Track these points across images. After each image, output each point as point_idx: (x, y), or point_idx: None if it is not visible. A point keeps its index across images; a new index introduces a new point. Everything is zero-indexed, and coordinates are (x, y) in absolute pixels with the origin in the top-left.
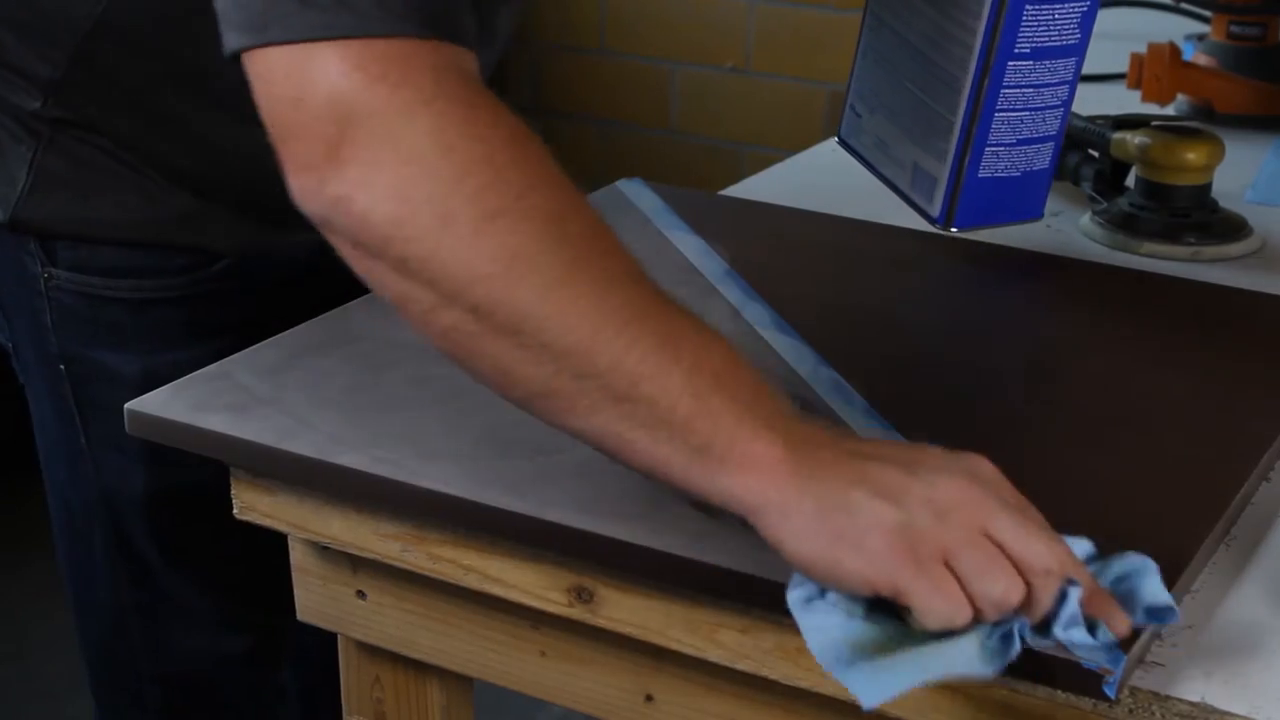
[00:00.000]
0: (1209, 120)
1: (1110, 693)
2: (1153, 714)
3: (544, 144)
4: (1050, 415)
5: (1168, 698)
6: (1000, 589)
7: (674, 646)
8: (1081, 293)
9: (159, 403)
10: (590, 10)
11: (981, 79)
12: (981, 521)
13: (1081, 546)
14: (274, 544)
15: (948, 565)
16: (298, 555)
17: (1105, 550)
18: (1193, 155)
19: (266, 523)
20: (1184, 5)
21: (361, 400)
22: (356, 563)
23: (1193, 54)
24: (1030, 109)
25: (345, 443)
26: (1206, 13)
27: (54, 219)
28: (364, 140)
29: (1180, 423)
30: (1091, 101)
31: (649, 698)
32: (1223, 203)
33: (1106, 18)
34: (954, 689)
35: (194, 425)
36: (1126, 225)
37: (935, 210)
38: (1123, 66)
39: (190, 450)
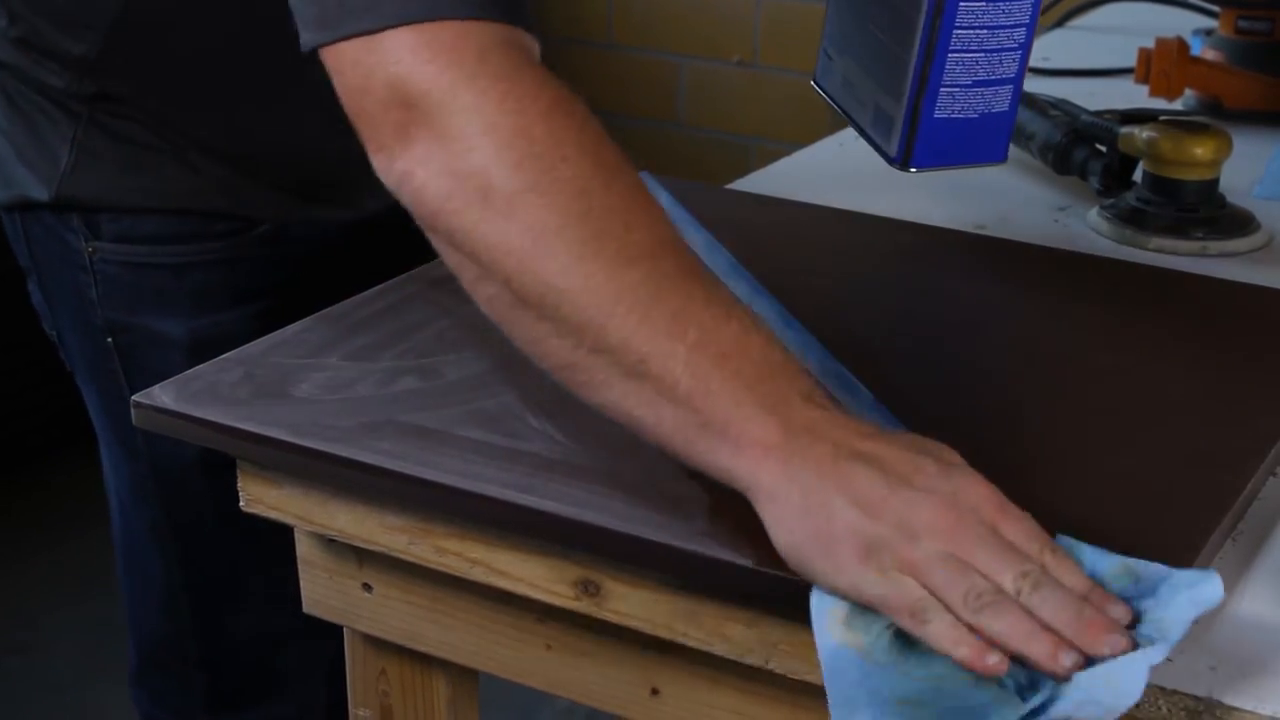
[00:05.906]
0: (1217, 115)
1: None
2: (1159, 708)
3: (587, 111)
4: (1056, 409)
5: (1174, 692)
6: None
7: (680, 640)
8: (1088, 287)
9: (164, 396)
10: (598, 4)
11: (934, 19)
12: (952, 548)
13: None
14: None
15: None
16: (304, 548)
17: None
18: (1200, 150)
19: (273, 515)
20: (1192, 0)
21: (368, 393)
22: (362, 555)
23: (1201, 49)
24: (985, 50)
25: (351, 435)
26: (1214, 8)
27: (98, 193)
28: (421, 120)
29: (1187, 417)
30: (1099, 96)
31: (655, 691)
32: (1230, 198)
33: (1114, 12)
34: None
35: (199, 417)
36: (1134, 220)
37: (893, 150)
38: (1130, 61)
39: (196, 443)
